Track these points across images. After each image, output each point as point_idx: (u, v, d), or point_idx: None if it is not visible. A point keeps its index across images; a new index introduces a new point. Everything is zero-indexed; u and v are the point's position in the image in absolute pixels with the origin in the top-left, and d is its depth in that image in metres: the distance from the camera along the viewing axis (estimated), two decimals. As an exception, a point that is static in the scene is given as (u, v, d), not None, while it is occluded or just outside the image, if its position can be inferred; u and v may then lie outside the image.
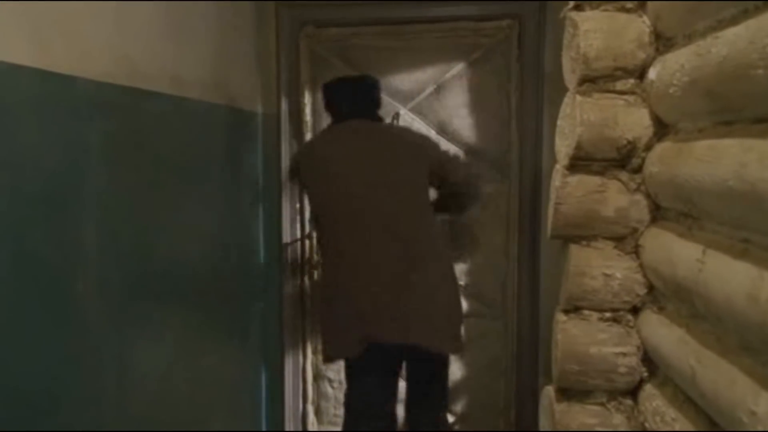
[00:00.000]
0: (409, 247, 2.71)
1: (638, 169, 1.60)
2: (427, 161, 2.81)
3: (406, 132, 3.09)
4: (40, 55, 1.72)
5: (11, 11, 1.61)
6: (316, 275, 3.62)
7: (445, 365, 2.94)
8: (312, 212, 3.13)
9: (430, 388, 2.95)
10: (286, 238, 3.56)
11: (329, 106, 3.07)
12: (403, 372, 2.99)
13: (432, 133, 3.42)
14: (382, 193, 2.76)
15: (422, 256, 2.72)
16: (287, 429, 3.62)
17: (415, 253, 2.71)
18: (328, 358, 2.92)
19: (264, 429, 3.55)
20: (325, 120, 3.52)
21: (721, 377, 1.21)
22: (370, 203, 2.77)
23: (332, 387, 3.62)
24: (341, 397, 3.41)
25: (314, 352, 3.67)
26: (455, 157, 3.03)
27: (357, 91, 3.07)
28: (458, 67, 3.39)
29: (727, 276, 1.17)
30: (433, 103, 3.43)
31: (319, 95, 3.47)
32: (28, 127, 1.68)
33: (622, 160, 1.59)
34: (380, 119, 3.08)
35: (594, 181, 1.61)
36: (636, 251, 1.62)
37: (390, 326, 2.65)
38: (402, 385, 3.01)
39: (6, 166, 1.60)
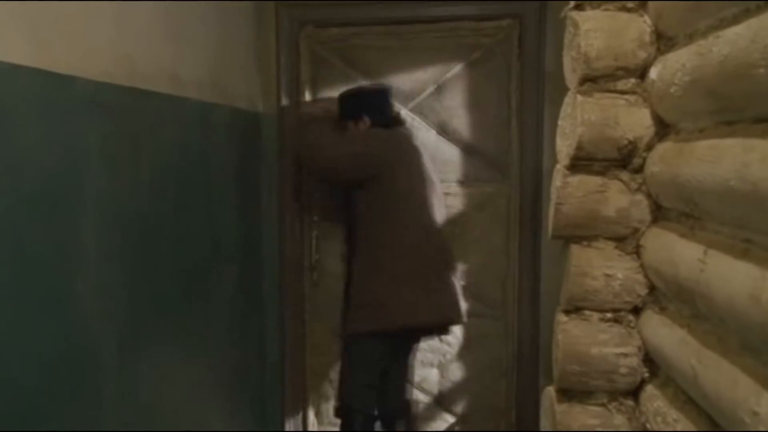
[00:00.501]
0: (443, 240, 3.15)
1: (639, 169, 1.59)
2: None
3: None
4: (39, 55, 1.72)
5: (11, 11, 1.61)
6: (315, 276, 3.61)
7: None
8: (374, 197, 3.17)
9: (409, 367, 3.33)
10: (287, 237, 3.55)
11: (371, 110, 3.26)
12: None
13: (432, 134, 3.42)
14: (432, 189, 3.17)
15: (448, 248, 3.19)
16: (287, 430, 3.62)
17: (446, 246, 3.17)
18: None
19: (264, 430, 3.55)
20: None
21: (723, 378, 1.20)
22: (430, 198, 3.14)
23: (332, 387, 3.61)
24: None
25: (314, 352, 3.66)
26: None
27: (389, 99, 3.33)
28: (458, 67, 3.39)
29: (729, 276, 1.16)
30: (434, 103, 3.43)
31: (321, 94, 3.49)
32: (27, 128, 1.68)
33: (623, 160, 1.59)
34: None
35: (595, 181, 1.61)
36: (637, 251, 1.62)
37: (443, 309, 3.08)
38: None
39: (5, 166, 1.60)
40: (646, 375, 1.62)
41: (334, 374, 3.60)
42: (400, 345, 3.23)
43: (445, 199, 3.33)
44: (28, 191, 1.68)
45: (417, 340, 3.30)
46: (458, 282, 3.17)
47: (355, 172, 3.16)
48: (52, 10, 1.76)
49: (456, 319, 3.11)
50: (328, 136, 3.29)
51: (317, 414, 3.69)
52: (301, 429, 3.67)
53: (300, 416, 3.66)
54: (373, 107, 3.26)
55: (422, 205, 3.13)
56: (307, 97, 3.53)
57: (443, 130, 3.42)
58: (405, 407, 3.27)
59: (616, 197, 1.60)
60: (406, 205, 3.12)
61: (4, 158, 1.59)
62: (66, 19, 1.82)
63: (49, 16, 1.75)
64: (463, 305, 3.11)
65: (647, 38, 1.55)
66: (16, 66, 1.63)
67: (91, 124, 1.93)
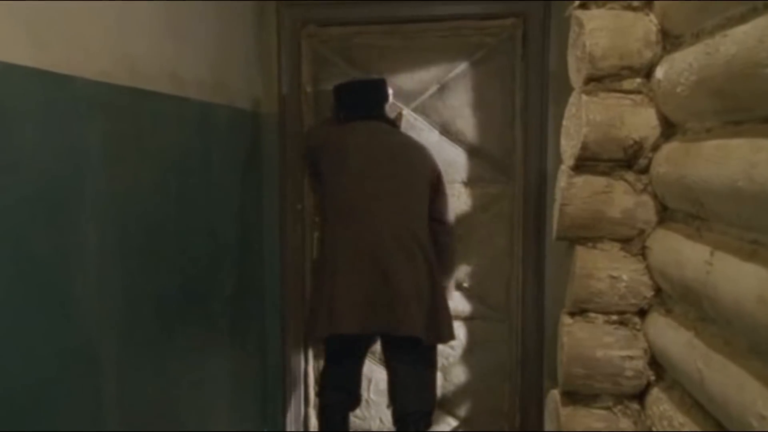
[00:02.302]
0: (401, 246, 2.95)
1: (645, 170, 1.58)
2: (429, 176, 3.07)
3: (414, 141, 3.21)
4: (39, 55, 1.71)
5: (10, 11, 1.60)
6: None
7: (425, 353, 3.07)
8: (321, 195, 3.23)
9: (413, 374, 3.09)
10: (288, 239, 3.55)
11: (342, 104, 3.22)
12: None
13: (435, 134, 3.41)
14: (388, 192, 2.99)
15: (410, 256, 2.96)
16: (288, 431, 3.61)
17: (405, 253, 2.95)
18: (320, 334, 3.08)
19: (265, 431, 3.54)
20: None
21: (730, 381, 1.19)
22: (377, 199, 2.98)
23: (333, 390, 3.60)
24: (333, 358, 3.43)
25: (316, 355, 3.65)
26: (446, 197, 3.15)
27: (370, 92, 3.23)
28: (462, 67, 3.38)
29: (736, 278, 1.15)
30: (437, 102, 3.42)
31: (323, 94, 3.48)
32: (27, 128, 1.67)
33: (629, 160, 1.58)
34: (391, 122, 3.23)
35: (600, 181, 1.60)
36: (643, 253, 1.61)
37: (376, 313, 2.90)
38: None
39: (5, 166, 1.59)
40: (652, 378, 1.61)
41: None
42: (351, 349, 3.17)
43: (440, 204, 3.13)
44: (27, 191, 1.67)
45: (365, 344, 3.24)
46: (416, 292, 2.92)
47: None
48: (52, 10, 1.76)
49: (395, 329, 2.90)
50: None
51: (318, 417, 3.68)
52: (302, 430, 3.66)
53: (301, 418, 3.66)
54: (342, 99, 3.23)
55: (354, 209, 3.00)
56: (308, 96, 3.52)
57: (446, 131, 3.41)
58: (417, 416, 3.06)
59: (622, 198, 1.59)
60: (338, 207, 3.06)
61: (3, 158, 1.59)
62: (65, 19, 1.81)
63: (49, 15, 1.75)
64: (416, 316, 2.90)
65: (653, 37, 1.53)
66: (15, 66, 1.63)
67: (90, 124, 1.92)
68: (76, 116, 1.86)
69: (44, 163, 1.73)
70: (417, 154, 3.11)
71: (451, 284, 3.39)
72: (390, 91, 3.26)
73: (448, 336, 3.02)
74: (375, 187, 3.01)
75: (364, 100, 3.22)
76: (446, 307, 3.02)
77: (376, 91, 3.24)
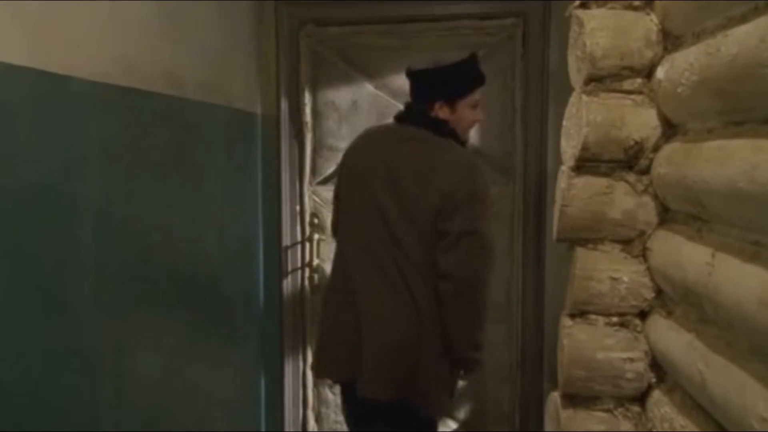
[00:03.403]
0: (385, 284, 2.40)
1: (646, 171, 1.57)
2: (435, 206, 2.28)
3: (447, 159, 2.38)
4: (36, 55, 1.71)
5: (7, 11, 1.60)
6: (316, 279, 3.59)
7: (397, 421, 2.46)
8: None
9: None
10: (286, 241, 3.53)
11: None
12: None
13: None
14: (383, 218, 2.41)
15: (394, 299, 2.38)
16: (288, 432, 3.60)
17: (388, 292, 2.39)
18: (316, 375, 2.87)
19: (265, 433, 3.53)
20: (332, 120, 3.53)
21: (731, 383, 1.19)
22: (369, 225, 2.45)
23: (333, 392, 3.59)
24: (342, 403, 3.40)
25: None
26: (466, 249, 2.27)
27: (423, 84, 2.56)
28: (461, 67, 3.36)
29: (738, 280, 1.14)
30: (436, 103, 3.40)
31: (322, 94, 3.47)
32: (24, 128, 1.67)
33: (630, 161, 1.57)
34: (441, 130, 2.49)
35: (600, 182, 1.59)
36: (644, 254, 1.60)
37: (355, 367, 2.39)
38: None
39: (2, 166, 1.59)
40: (653, 380, 1.60)
41: (335, 378, 3.58)
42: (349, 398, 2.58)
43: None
44: (24, 191, 1.67)
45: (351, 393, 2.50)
46: (393, 345, 2.35)
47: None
48: (50, 10, 1.75)
49: (362, 388, 2.35)
50: None
51: (317, 419, 3.67)
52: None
53: (300, 421, 3.65)
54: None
55: (346, 236, 2.57)
56: (307, 97, 3.51)
57: (446, 131, 3.40)
58: None
59: (623, 199, 1.58)
60: (339, 233, 2.64)
61: (2, 158, 1.58)
62: (63, 19, 1.81)
63: (47, 16, 1.74)
64: (387, 374, 2.32)
65: (654, 37, 1.53)
66: (13, 66, 1.62)
67: (88, 124, 1.92)
68: (73, 116, 1.86)
69: (41, 162, 1.73)
70: (435, 177, 2.30)
71: (469, 358, 2.44)
72: (466, 82, 2.56)
73: (426, 406, 2.37)
74: (369, 211, 2.46)
75: (413, 95, 2.58)
76: (432, 371, 2.33)
77: (431, 82, 2.53)
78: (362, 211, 2.48)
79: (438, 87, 2.50)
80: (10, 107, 1.62)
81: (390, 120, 2.70)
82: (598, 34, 1.54)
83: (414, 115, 2.53)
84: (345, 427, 2.83)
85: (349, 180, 2.59)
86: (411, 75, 2.56)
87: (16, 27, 1.64)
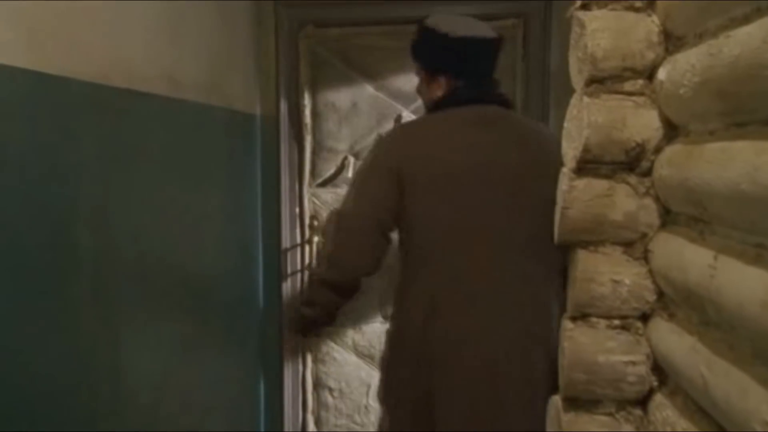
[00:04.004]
0: (535, 295, 2.24)
1: (647, 172, 1.56)
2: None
3: (545, 130, 2.52)
4: (34, 57, 1.70)
5: (5, 12, 1.59)
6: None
7: None
8: (405, 225, 2.35)
9: None
10: (286, 243, 3.53)
11: (445, 79, 2.43)
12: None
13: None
14: (510, 214, 2.23)
15: (548, 314, 2.22)
16: (288, 435, 3.60)
17: (540, 308, 2.23)
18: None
19: (265, 435, 3.53)
20: (332, 122, 3.51)
21: (734, 386, 1.18)
22: (493, 226, 2.24)
23: (332, 396, 3.59)
24: (341, 406, 3.40)
25: (314, 360, 3.63)
26: None
27: (486, 56, 2.42)
28: (461, 68, 3.36)
29: (740, 282, 1.14)
30: (436, 104, 3.39)
31: (321, 96, 3.46)
32: (22, 129, 1.67)
33: (631, 162, 1.56)
34: (509, 104, 2.45)
35: (602, 184, 1.58)
36: (645, 257, 1.59)
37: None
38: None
39: (0, 168, 1.58)
40: (655, 383, 1.59)
41: (334, 382, 3.57)
42: None
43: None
44: (22, 193, 1.66)
45: None
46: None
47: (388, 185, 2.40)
48: (48, 12, 1.75)
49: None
50: None
51: (317, 422, 3.66)
52: (301, 434, 3.65)
53: (300, 424, 3.64)
54: (442, 69, 2.43)
55: (444, 257, 2.25)
56: (306, 98, 3.50)
57: (446, 132, 3.39)
58: None
59: (624, 201, 1.57)
60: (420, 254, 2.31)
61: (-2, 161, 1.58)
62: (61, 21, 1.80)
63: (45, 17, 1.74)
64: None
65: (655, 38, 1.52)
66: (10, 68, 1.62)
67: (86, 126, 1.91)
68: (71, 118, 1.85)
69: (38, 164, 1.72)
70: (550, 159, 1.94)
71: None
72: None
73: None
74: (483, 220, 2.23)
75: (482, 68, 2.41)
76: None
77: (493, 53, 2.43)
78: (471, 218, 2.24)
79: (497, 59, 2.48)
80: (8, 109, 1.61)
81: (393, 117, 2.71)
82: (600, 35, 1.53)
83: (491, 92, 2.42)
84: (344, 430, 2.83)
85: (430, 186, 2.28)
86: (493, 42, 2.41)
87: (14, 28, 1.63)
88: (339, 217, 2.39)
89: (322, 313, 2.51)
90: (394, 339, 2.41)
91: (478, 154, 2.25)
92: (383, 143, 2.47)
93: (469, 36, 2.37)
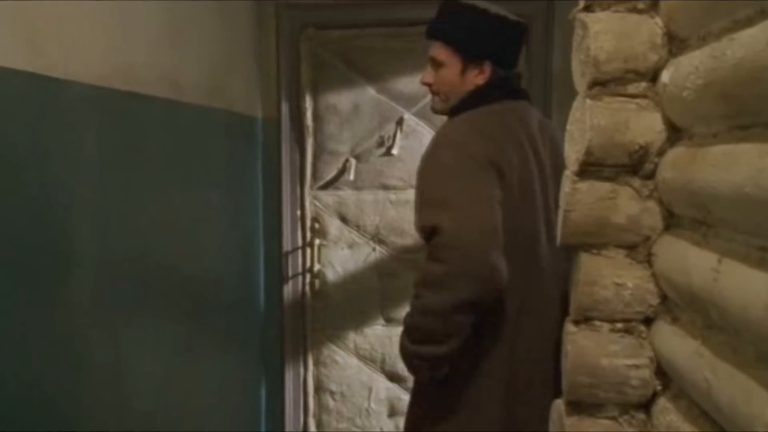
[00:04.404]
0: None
1: (651, 175, 1.56)
2: None
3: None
4: (36, 60, 1.70)
5: (7, 15, 1.59)
6: (317, 284, 3.57)
7: None
8: None
9: None
10: (287, 246, 3.52)
11: (482, 68, 2.23)
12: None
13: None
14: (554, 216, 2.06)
15: None
16: (289, 439, 3.59)
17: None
18: None
19: (266, 439, 3.52)
20: (333, 124, 3.50)
21: (738, 391, 1.17)
22: (550, 231, 2.14)
23: (334, 399, 3.58)
24: (343, 409, 3.38)
25: (315, 363, 3.63)
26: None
27: (519, 47, 2.27)
28: (463, 70, 3.35)
29: (744, 285, 1.13)
30: (438, 106, 3.39)
31: (323, 98, 3.45)
32: (24, 132, 1.66)
33: (634, 165, 1.55)
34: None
35: (605, 187, 1.58)
36: (648, 260, 1.58)
37: None
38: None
39: (1, 170, 1.58)
40: (659, 387, 1.58)
41: (335, 385, 3.57)
42: None
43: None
44: (24, 195, 1.66)
45: None
46: None
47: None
48: (50, 15, 1.74)
49: None
50: None
51: (318, 425, 3.66)
52: (302, 437, 3.65)
53: (301, 427, 3.63)
54: (483, 55, 2.22)
55: (530, 268, 2.13)
56: (308, 100, 3.50)
57: (447, 135, 3.38)
58: None
59: (627, 204, 1.57)
60: (516, 267, 2.07)
61: (0, 162, 1.57)
62: (63, 24, 1.80)
63: (47, 20, 1.74)
64: None
65: (658, 40, 1.51)
66: (13, 70, 1.61)
67: (88, 128, 1.91)
68: (73, 121, 1.85)
69: (40, 167, 1.72)
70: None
71: None
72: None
73: None
74: (541, 218, 2.16)
75: (515, 58, 2.28)
76: None
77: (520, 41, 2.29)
78: (537, 222, 2.15)
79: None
80: (10, 111, 1.61)
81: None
82: (602, 37, 1.53)
83: (520, 85, 2.30)
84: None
85: (512, 187, 2.11)
86: (526, 29, 2.27)
87: (16, 31, 1.63)
88: (454, 227, 1.96)
89: (457, 346, 2.04)
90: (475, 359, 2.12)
91: (537, 156, 2.17)
92: (465, 133, 2.12)
93: (512, 19, 2.21)
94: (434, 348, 1.99)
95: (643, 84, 1.54)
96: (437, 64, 2.27)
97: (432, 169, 2.08)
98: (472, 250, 1.94)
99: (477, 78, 2.21)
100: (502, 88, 2.20)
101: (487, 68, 2.21)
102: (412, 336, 2.00)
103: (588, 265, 1.61)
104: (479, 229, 1.96)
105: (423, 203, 2.06)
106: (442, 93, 2.30)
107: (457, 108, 2.23)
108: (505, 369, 2.11)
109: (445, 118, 2.34)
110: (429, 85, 2.33)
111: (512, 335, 2.10)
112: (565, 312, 2.03)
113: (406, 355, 2.04)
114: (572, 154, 1.64)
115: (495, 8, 2.19)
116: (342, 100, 3.56)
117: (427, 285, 1.96)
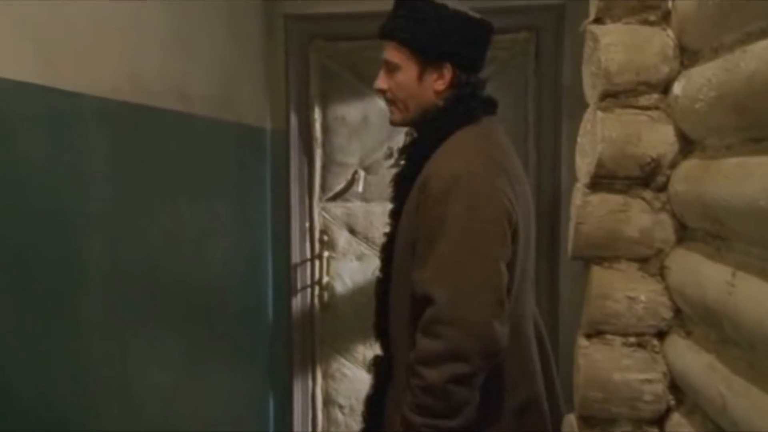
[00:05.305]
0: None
1: (663, 188, 1.55)
2: None
3: None
4: (47, 73, 1.71)
5: (20, 29, 1.60)
6: (325, 297, 3.56)
7: None
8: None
9: None
10: (296, 258, 3.52)
11: (468, 84, 2.05)
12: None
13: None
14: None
15: None
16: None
17: None
18: None
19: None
20: (342, 136, 3.50)
21: (754, 406, 1.16)
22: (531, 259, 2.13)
23: (343, 413, 3.57)
24: (351, 423, 3.36)
25: (324, 376, 3.61)
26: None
27: (484, 49, 2.11)
28: (472, 82, 3.35)
29: (759, 299, 1.12)
30: (447, 118, 3.39)
31: (331, 109, 3.45)
32: (35, 144, 1.67)
33: (646, 178, 1.54)
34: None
35: (616, 199, 1.57)
36: (661, 273, 1.57)
37: None
38: None
39: (14, 182, 1.59)
40: (672, 402, 1.57)
41: (344, 399, 3.55)
42: None
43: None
44: (35, 207, 1.67)
45: None
46: None
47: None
48: (61, 29, 1.75)
49: None
50: None
51: (327, 439, 3.65)
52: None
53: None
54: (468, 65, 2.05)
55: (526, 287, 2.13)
56: (316, 112, 3.50)
57: (456, 146, 3.38)
58: None
59: (639, 216, 1.55)
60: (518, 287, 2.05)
61: (12, 174, 1.58)
62: (74, 37, 1.81)
63: (58, 34, 1.74)
64: None
65: (670, 52, 1.51)
66: (24, 83, 1.62)
67: (98, 140, 1.92)
68: (83, 133, 1.86)
69: (51, 178, 1.73)
70: None
71: None
72: None
73: None
74: (531, 244, 2.12)
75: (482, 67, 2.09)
76: None
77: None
78: (529, 247, 2.10)
79: None
80: (22, 124, 1.62)
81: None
82: (613, 49, 1.52)
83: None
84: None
85: (521, 212, 2.01)
86: (490, 29, 2.09)
87: (27, 45, 1.64)
88: (451, 301, 1.84)
89: (472, 415, 1.91)
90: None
91: (526, 185, 2.07)
92: (486, 178, 1.92)
93: (476, 17, 2.03)
94: (448, 422, 1.87)
95: (655, 96, 1.53)
96: (392, 68, 2.08)
97: (445, 221, 1.87)
98: (469, 326, 1.83)
99: (437, 83, 2.02)
100: (486, 104, 2.06)
101: (448, 72, 2.00)
102: (421, 412, 1.86)
103: (600, 278, 1.60)
104: (478, 301, 1.84)
105: (424, 258, 1.89)
106: (399, 101, 2.08)
107: (434, 122, 2.02)
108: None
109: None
110: (383, 92, 2.12)
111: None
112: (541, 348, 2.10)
113: (414, 427, 1.87)
114: (583, 166, 1.63)
115: (455, 5, 2.00)
116: (351, 111, 3.57)
117: (425, 363, 1.84)
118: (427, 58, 2.01)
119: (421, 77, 2.02)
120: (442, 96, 2.02)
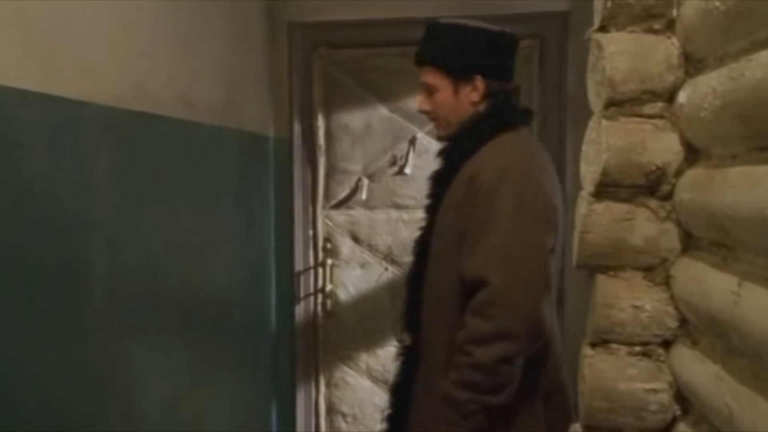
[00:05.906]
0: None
1: (668, 196, 1.54)
2: None
3: None
4: (49, 81, 1.71)
5: (21, 37, 1.60)
6: (329, 305, 3.55)
7: None
8: None
9: None
10: (299, 266, 3.51)
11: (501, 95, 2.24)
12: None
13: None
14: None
15: None
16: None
17: None
18: None
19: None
20: (345, 144, 3.50)
21: (761, 417, 1.15)
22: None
23: (346, 422, 3.56)
24: (355, 432, 3.35)
25: (327, 385, 3.60)
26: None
27: (509, 57, 2.28)
28: (476, 89, 3.35)
29: (766, 309, 1.11)
30: (450, 126, 3.38)
31: (335, 117, 3.45)
32: (38, 152, 1.67)
33: (651, 186, 1.54)
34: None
35: (621, 208, 1.56)
36: (667, 282, 1.56)
37: None
38: None
39: (17, 190, 1.59)
40: (678, 412, 1.56)
41: (347, 407, 3.54)
42: None
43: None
44: (37, 215, 1.66)
45: None
46: None
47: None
48: (64, 36, 1.76)
49: None
50: None
51: (331, 448, 3.63)
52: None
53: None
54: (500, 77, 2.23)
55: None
56: (320, 120, 3.50)
57: (460, 154, 3.37)
58: None
59: (644, 225, 1.55)
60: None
61: (16, 182, 1.58)
62: (76, 45, 1.81)
63: (61, 42, 1.74)
64: None
65: (675, 61, 1.50)
66: (26, 92, 1.62)
67: (101, 148, 1.92)
68: (86, 141, 1.86)
69: (54, 187, 1.73)
70: None
71: None
72: None
73: None
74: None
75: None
76: None
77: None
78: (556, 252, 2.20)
79: None
80: (24, 132, 1.62)
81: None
82: (618, 57, 1.52)
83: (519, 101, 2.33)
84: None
85: (558, 208, 2.20)
86: (511, 38, 2.25)
87: (29, 53, 1.64)
88: (503, 284, 2.02)
89: (512, 393, 2.08)
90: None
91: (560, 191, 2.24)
92: (530, 173, 2.14)
93: (495, 30, 2.20)
94: (492, 398, 2.04)
95: (660, 104, 1.53)
96: (430, 90, 2.29)
97: (497, 211, 2.05)
98: (521, 309, 2.01)
99: (472, 95, 2.20)
100: (523, 114, 2.25)
101: (480, 83, 2.19)
102: (467, 388, 2.02)
103: (605, 287, 1.59)
104: (530, 286, 2.03)
105: (476, 245, 2.05)
106: (441, 118, 2.29)
107: (475, 126, 2.20)
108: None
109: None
110: (426, 112, 2.34)
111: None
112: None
113: (458, 403, 2.02)
114: (588, 174, 1.62)
115: (475, 22, 2.20)
116: (354, 119, 3.57)
117: (476, 342, 2.00)
118: (458, 74, 2.20)
119: (456, 92, 2.21)
120: (479, 106, 2.21)
